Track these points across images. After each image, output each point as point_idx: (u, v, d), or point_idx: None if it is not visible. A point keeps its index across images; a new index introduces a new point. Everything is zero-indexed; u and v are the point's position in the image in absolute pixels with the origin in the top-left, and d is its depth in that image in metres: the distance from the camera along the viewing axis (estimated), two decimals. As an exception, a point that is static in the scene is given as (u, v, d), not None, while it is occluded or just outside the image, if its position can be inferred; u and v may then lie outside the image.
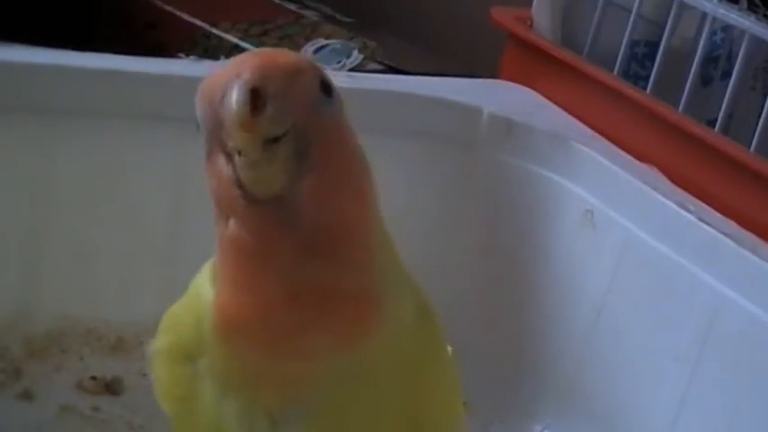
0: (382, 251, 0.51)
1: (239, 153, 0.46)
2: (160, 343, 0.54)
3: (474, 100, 0.87)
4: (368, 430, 0.52)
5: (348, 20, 1.28)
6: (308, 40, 1.22)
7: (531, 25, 0.92)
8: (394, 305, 0.50)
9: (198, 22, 1.23)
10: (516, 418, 0.83)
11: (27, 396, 0.78)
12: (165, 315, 0.55)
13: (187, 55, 1.19)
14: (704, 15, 0.83)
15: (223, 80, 0.46)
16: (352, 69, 1.17)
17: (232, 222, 0.48)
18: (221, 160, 0.47)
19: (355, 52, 1.20)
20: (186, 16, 1.23)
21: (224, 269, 0.50)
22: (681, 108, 0.83)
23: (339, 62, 1.20)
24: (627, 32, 0.87)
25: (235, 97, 0.45)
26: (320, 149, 0.47)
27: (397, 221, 0.84)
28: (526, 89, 0.91)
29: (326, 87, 0.48)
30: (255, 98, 0.45)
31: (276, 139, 0.45)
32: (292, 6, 1.28)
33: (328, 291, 0.48)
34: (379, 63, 1.20)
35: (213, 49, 1.22)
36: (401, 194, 0.85)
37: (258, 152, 0.45)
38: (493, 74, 0.97)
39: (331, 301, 0.48)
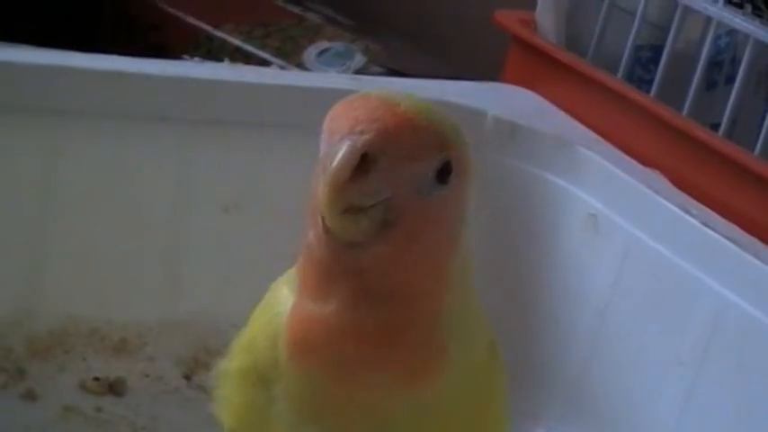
0: (455, 300, 0.50)
1: None
2: (234, 363, 0.53)
3: (478, 103, 0.87)
4: None
5: (350, 22, 1.29)
6: (311, 42, 1.23)
7: (535, 28, 0.92)
8: (461, 350, 0.50)
9: (201, 24, 1.24)
10: (520, 421, 0.82)
11: (30, 396, 0.78)
12: (242, 334, 0.54)
13: (191, 57, 1.20)
14: (708, 19, 0.84)
15: (349, 122, 0.46)
16: (355, 72, 1.17)
17: (312, 232, 0.48)
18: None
19: (358, 55, 1.20)
20: (189, 18, 1.24)
21: (302, 277, 0.50)
22: (685, 112, 0.84)
23: (342, 65, 1.20)
24: (631, 36, 0.87)
25: (340, 156, 0.45)
26: (407, 229, 0.47)
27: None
28: (530, 92, 0.92)
29: (444, 173, 0.47)
30: (359, 163, 0.45)
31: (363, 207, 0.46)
32: (295, 9, 1.29)
33: (392, 333, 0.48)
34: (382, 66, 1.20)
35: (216, 51, 1.22)
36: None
37: (335, 215, 0.45)
38: (497, 77, 0.97)
39: (393, 344, 0.48)
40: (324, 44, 1.23)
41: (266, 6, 1.28)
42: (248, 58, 1.21)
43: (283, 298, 0.51)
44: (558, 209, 0.85)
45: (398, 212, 0.46)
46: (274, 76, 0.93)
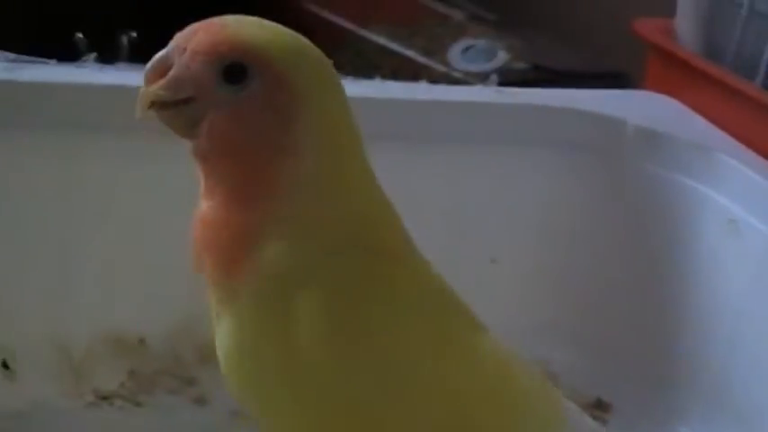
0: (285, 212, 0.52)
1: None
2: None
3: (618, 111, 0.90)
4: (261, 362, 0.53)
5: (493, 17, 1.31)
6: (455, 40, 1.26)
7: (674, 36, 0.93)
8: (275, 263, 0.52)
9: (348, 25, 1.27)
10: (662, 420, 0.86)
11: (200, 401, 0.83)
12: None
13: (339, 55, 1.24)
14: None
15: None
16: (498, 69, 1.20)
17: None
18: None
19: (501, 53, 1.23)
20: (337, 19, 1.28)
21: None
22: (825, 119, 0.85)
23: (487, 61, 1.23)
24: (769, 43, 0.89)
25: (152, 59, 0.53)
26: (211, 124, 0.52)
27: (542, 230, 0.89)
28: (670, 99, 0.94)
29: (234, 74, 0.52)
30: (159, 65, 0.52)
31: (178, 102, 0.52)
32: (439, 6, 1.31)
33: (214, 228, 0.53)
34: (526, 62, 1.22)
35: (362, 51, 1.26)
36: (547, 204, 0.89)
37: (142, 108, 0.52)
38: (639, 69, 0.99)
39: (214, 235, 0.53)
40: (468, 42, 1.25)
41: (411, 5, 1.31)
42: (393, 57, 1.24)
43: None
44: (698, 214, 0.86)
45: (203, 110, 0.52)
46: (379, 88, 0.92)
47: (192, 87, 0.52)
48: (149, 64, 0.53)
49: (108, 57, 0.98)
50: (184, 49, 0.52)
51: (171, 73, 0.52)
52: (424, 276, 0.56)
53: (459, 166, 0.88)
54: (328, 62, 0.54)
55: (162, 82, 0.52)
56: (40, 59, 0.84)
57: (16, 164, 0.81)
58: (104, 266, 0.83)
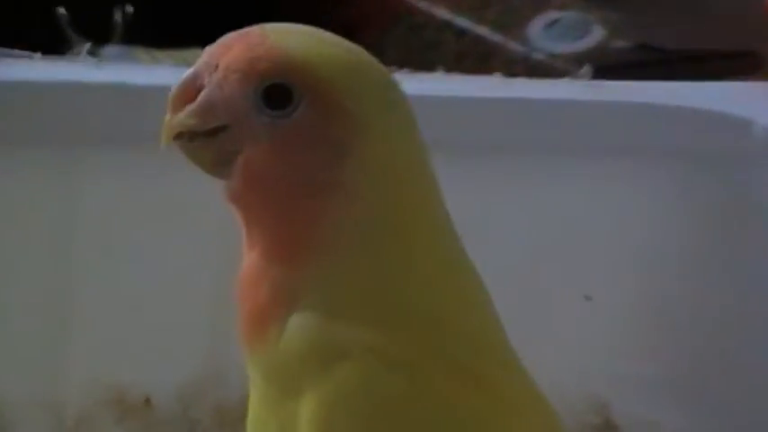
0: (330, 270, 0.52)
1: None
2: None
3: (743, 109, 0.88)
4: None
5: (582, -19, 1.30)
6: (536, 12, 1.25)
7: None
8: (307, 328, 0.52)
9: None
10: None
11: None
12: None
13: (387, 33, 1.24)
14: None
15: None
16: (592, 49, 1.20)
17: None
18: None
19: (596, 28, 1.22)
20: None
21: None
22: None
23: (577, 39, 1.23)
24: None
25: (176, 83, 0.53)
26: (249, 159, 0.52)
27: (645, 259, 0.89)
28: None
29: (276, 97, 0.52)
30: (186, 87, 0.53)
31: (209, 132, 0.52)
32: (515, -30, 1.30)
33: (252, 281, 0.53)
34: (627, 40, 1.22)
35: (418, 28, 1.26)
36: (652, 227, 0.90)
37: (167, 134, 0.53)
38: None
39: (251, 288, 0.53)
40: (552, 14, 1.25)
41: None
42: (458, 35, 1.24)
43: None
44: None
45: (238, 142, 0.52)
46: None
47: (226, 113, 0.52)
48: (175, 87, 0.53)
49: (100, 36, 1.00)
50: (216, 67, 0.52)
51: (201, 96, 0.52)
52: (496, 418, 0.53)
53: (542, 182, 0.88)
54: (395, 84, 0.53)
55: (190, 108, 0.52)
56: (21, 53, 0.84)
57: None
58: (103, 313, 0.84)
